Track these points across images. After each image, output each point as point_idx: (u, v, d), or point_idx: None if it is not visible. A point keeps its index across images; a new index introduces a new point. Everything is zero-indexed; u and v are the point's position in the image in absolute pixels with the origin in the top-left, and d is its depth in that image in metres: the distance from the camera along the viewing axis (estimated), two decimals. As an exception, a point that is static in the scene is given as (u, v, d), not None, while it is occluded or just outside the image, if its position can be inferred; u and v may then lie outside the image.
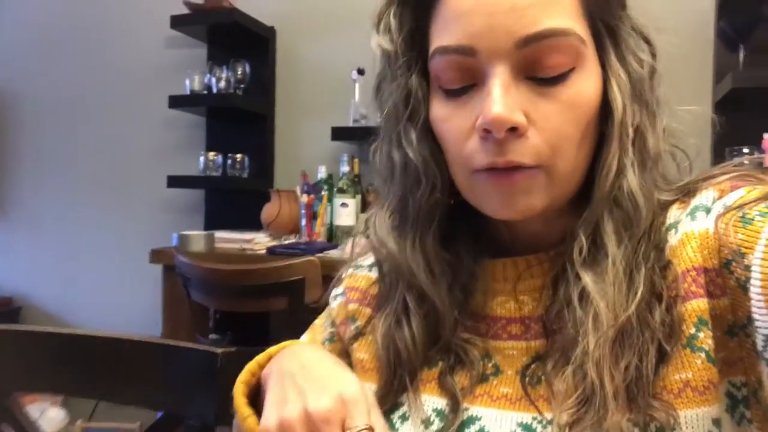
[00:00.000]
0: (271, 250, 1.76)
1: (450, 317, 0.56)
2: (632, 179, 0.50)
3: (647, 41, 0.54)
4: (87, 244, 2.64)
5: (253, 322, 1.86)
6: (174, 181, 2.31)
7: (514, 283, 0.56)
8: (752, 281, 0.42)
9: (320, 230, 1.97)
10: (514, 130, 0.47)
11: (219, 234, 2.03)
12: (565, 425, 0.47)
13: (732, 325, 0.47)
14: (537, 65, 0.48)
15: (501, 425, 0.52)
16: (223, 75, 2.28)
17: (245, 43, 2.35)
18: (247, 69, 2.30)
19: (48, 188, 2.72)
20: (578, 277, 0.50)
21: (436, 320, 0.56)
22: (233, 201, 2.43)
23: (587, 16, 0.50)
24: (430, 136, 0.54)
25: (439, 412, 0.54)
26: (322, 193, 2.00)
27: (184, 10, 2.29)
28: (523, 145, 0.48)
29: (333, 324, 0.65)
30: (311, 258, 1.52)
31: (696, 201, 0.51)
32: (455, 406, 0.54)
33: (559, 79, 0.48)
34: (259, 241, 1.91)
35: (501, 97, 0.47)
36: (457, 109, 0.51)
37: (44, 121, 2.73)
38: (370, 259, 0.65)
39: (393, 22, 0.54)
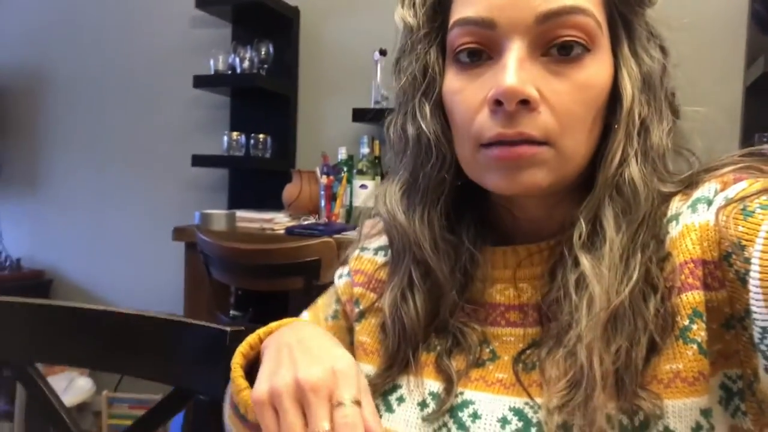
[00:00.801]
0: (289, 231, 1.78)
1: (451, 297, 0.57)
2: (634, 168, 0.50)
3: (659, 41, 0.54)
4: (114, 220, 2.71)
5: (273, 300, 1.89)
6: (198, 161, 2.34)
7: (514, 271, 0.57)
8: (751, 274, 0.42)
9: (339, 211, 1.99)
10: (525, 104, 0.48)
11: (240, 213, 2.06)
12: (554, 408, 0.48)
13: (729, 318, 0.47)
14: (554, 42, 0.49)
15: (493, 409, 0.53)
16: (247, 55, 2.29)
17: (269, 23, 2.35)
18: (271, 49, 2.31)
19: (77, 166, 2.78)
20: (576, 262, 0.51)
21: (438, 296, 0.57)
22: (256, 181, 2.45)
23: (606, 5, 0.51)
24: (441, 112, 0.56)
25: (434, 395, 0.56)
26: (342, 174, 2.01)
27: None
28: (533, 119, 0.49)
29: (338, 301, 0.66)
30: (327, 239, 1.53)
31: (698, 193, 0.51)
32: (449, 387, 0.55)
33: (573, 59, 0.49)
34: (279, 221, 1.93)
35: (515, 69, 0.48)
36: (470, 83, 0.52)
37: (74, 101, 2.79)
38: (376, 242, 0.67)
39: None
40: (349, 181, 2.02)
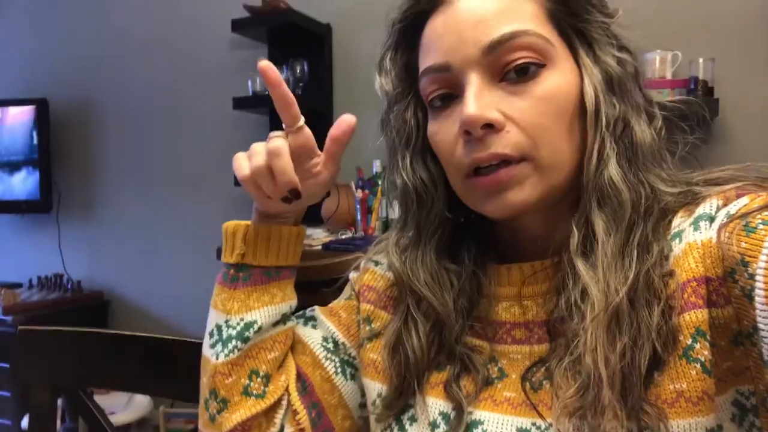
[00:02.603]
0: (325, 247, 1.81)
1: (455, 325, 0.59)
2: (613, 168, 0.52)
3: (620, 42, 0.56)
4: (165, 241, 2.81)
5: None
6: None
7: (519, 288, 0.58)
8: (756, 290, 0.42)
9: (375, 224, 2.00)
10: (491, 127, 0.52)
11: (281, 230, 2.09)
12: (566, 415, 0.49)
13: (737, 334, 0.47)
14: (506, 66, 0.52)
15: (502, 430, 0.54)
16: (283, 75, 2.34)
17: (302, 42, 2.40)
18: (306, 67, 2.35)
19: (129, 191, 2.91)
20: (576, 270, 0.52)
21: (442, 326, 0.59)
22: (296, 197, 2.49)
23: (553, 21, 0.54)
24: (430, 158, 0.60)
25: (445, 416, 0.57)
26: (377, 187, 2.03)
27: (246, 13, 2.36)
28: (503, 138, 0.52)
29: (352, 288, 0.71)
30: (359, 254, 1.55)
31: (699, 210, 0.52)
32: (460, 412, 0.56)
33: (529, 77, 0.52)
34: (317, 237, 1.97)
35: (474, 98, 0.52)
36: (444, 122, 0.56)
37: (123, 129, 2.91)
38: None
39: (389, 63, 0.62)
40: (384, 194, 2.04)
